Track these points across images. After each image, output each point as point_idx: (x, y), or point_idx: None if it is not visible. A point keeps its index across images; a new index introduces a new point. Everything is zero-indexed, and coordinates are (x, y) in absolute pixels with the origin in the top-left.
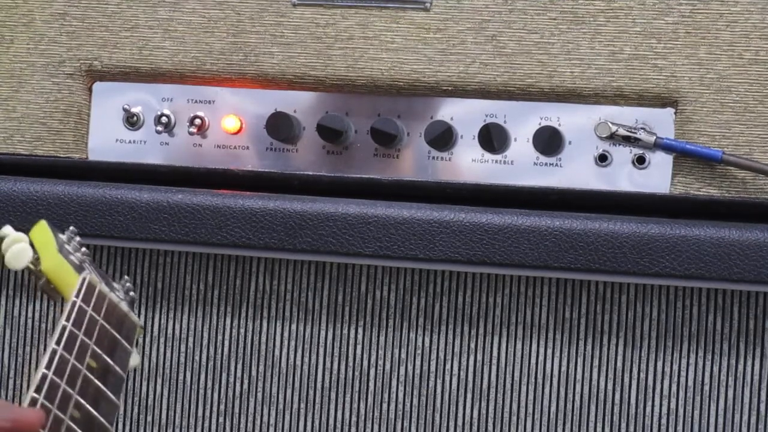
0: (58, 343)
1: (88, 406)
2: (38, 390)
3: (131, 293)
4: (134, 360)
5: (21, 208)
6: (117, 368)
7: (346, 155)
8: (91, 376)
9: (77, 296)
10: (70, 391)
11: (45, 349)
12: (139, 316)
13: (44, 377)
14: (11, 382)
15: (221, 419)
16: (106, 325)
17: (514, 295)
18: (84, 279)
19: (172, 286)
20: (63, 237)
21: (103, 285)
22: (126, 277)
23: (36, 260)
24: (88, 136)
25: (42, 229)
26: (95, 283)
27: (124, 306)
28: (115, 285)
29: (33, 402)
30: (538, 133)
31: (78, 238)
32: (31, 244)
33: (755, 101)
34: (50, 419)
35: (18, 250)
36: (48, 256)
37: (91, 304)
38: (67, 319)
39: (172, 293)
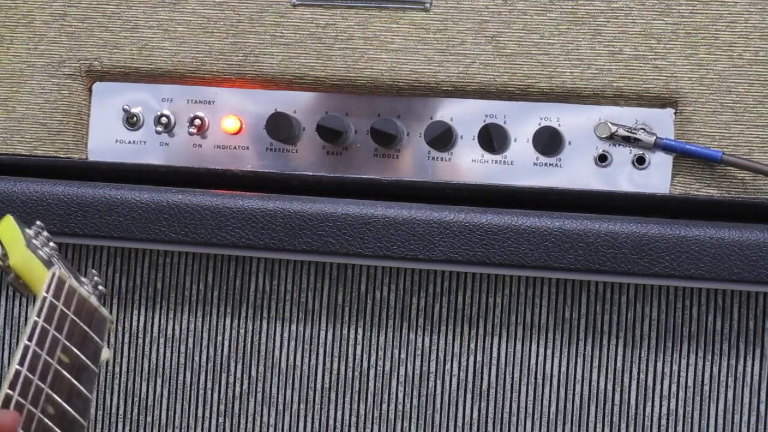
0: (29, 339)
1: (61, 401)
2: (12, 387)
3: (100, 287)
4: (105, 354)
5: (21, 208)
6: (89, 363)
7: (346, 155)
8: (64, 372)
9: (47, 291)
10: (44, 387)
11: (17, 346)
12: (139, 317)
13: (17, 374)
14: None
15: (221, 419)
16: (77, 320)
17: (514, 296)
18: (53, 274)
19: (172, 286)
20: (30, 232)
21: (73, 280)
22: (93, 270)
23: (4, 255)
24: (87, 137)
25: (8, 224)
26: (65, 278)
27: (93, 300)
28: (83, 279)
29: (7, 399)
30: (538, 134)
31: (45, 233)
32: None
33: (755, 101)
34: (24, 415)
35: None
36: (16, 251)
37: (62, 299)
38: (38, 315)
39: (172, 293)
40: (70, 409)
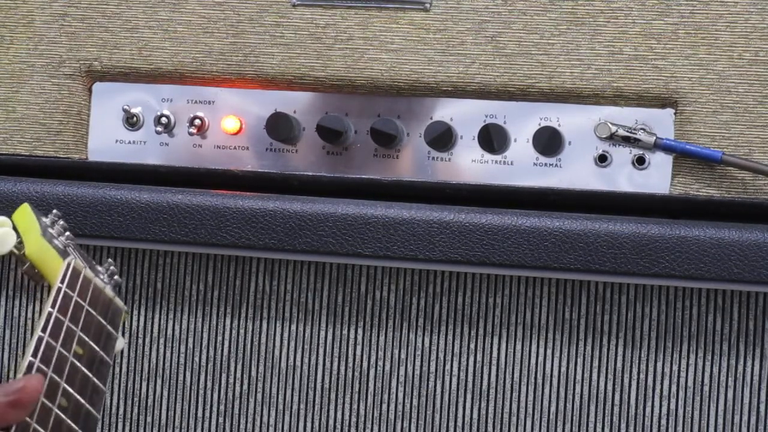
0: (44, 330)
1: (75, 394)
2: None
3: (116, 277)
4: (119, 344)
5: None
6: (104, 355)
7: (346, 156)
8: (78, 364)
9: (62, 282)
10: (58, 379)
11: (31, 337)
12: (139, 317)
13: (31, 365)
14: None
15: (221, 420)
16: (92, 311)
17: (514, 296)
18: (69, 264)
19: (172, 287)
20: (46, 220)
21: (88, 270)
22: (110, 260)
23: (19, 244)
24: (87, 137)
25: (25, 212)
26: (80, 268)
27: (109, 291)
28: (99, 269)
29: None
30: (538, 134)
31: (62, 222)
32: (15, 228)
33: (755, 102)
34: (38, 408)
35: (1, 234)
36: (32, 241)
37: (77, 289)
38: (53, 306)
39: (172, 293)
40: (84, 401)
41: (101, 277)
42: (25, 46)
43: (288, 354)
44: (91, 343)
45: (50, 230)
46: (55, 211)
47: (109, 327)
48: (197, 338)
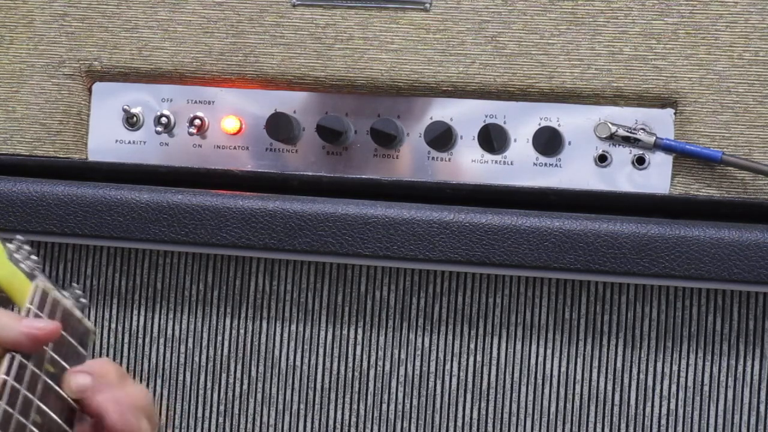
0: None
1: (49, 411)
2: None
3: (82, 299)
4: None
5: (21, 208)
6: None
7: (346, 156)
8: (51, 382)
9: (32, 303)
10: (31, 396)
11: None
12: (139, 317)
13: (4, 383)
14: None
15: (221, 420)
16: (62, 332)
17: (513, 296)
18: (37, 286)
19: (171, 287)
20: (11, 246)
21: (56, 291)
22: (75, 284)
23: None
24: (87, 137)
25: None
26: (49, 290)
27: (77, 312)
28: (65, 293)
29: None
30: (538, 134)
31: (27, 247)
32: None
33: (755, 102)
34: (12, 425)
35: None
36: None
37: (46, 310)
38: None
39: (171, 294)
40: (57, 418)
41: (68, 300)
42: (25, 46)
43: (288, 354)
44: (62, 362)
45: (15, 255)
46: (18, 237)
47: (79, 347)
48: (197, 338)
